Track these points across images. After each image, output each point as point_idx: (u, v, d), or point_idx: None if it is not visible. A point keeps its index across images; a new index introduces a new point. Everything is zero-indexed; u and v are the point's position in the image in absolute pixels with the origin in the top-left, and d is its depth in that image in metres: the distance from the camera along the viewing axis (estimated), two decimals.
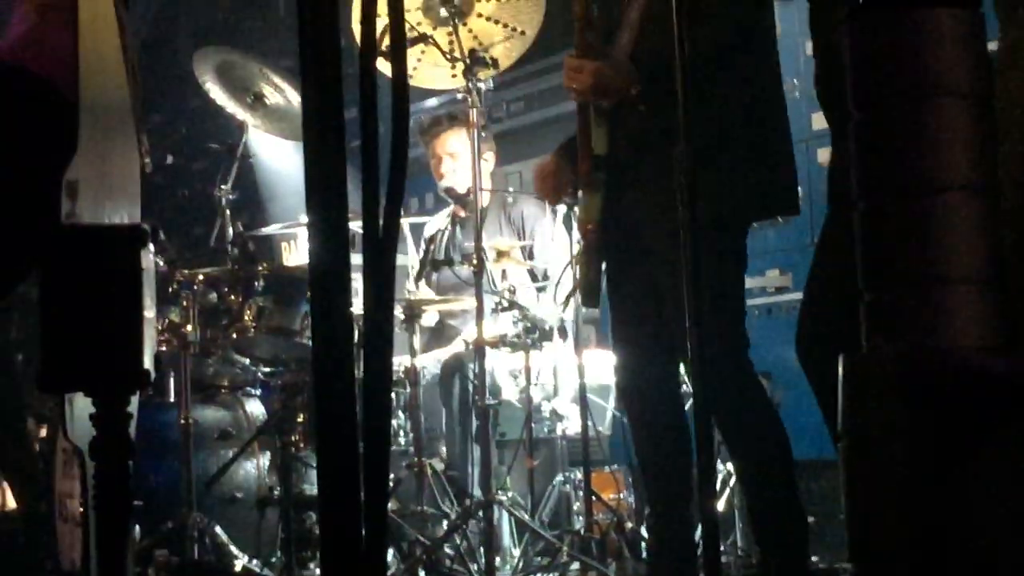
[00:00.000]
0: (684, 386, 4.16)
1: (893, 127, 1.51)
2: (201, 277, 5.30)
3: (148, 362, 1.41)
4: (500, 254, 5.52)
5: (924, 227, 1.48)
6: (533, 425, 5.41)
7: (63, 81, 1.67)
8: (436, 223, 6.54)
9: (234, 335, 5.30)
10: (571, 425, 5.66)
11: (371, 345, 1.52)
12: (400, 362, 5.64)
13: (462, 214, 6.30)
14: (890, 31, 1.49)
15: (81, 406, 1.45)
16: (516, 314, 5.38)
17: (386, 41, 1.80)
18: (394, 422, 5.66)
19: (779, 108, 3.86)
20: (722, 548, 4.42)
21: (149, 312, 1.44)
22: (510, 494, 5.31)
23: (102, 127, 1.59)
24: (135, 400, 1.54)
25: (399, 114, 1.56)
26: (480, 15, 5.10)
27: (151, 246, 1.45)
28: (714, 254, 3.17)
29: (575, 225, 4.27)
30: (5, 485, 6.28)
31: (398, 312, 5.50)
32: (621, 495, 5.67)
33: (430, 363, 6.05)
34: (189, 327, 5.22)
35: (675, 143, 3.08)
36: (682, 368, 4.14)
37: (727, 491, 5.08)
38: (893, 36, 1.51)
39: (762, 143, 3.79)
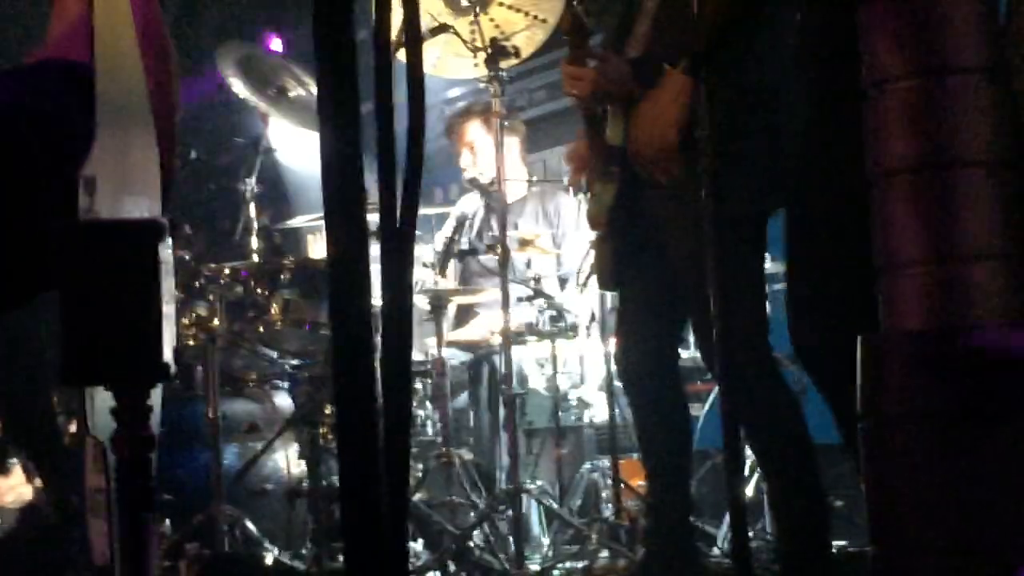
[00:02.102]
0: None
1: (908, 104, 1.50)
2: (227, 271, 5.32)
3: (168, 356, 1.42)
4: (524, 243, 5.53)
5: (941, 204, 1.47)
6: (560, 414, 5.43)
7: None
8: (469, 203, 6.50)
9: (261, 328, 5.32)
10: (598, 413, 5.66)
11: (389, 331, 1.52)
12: (427, 352, 5.66)
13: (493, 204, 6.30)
14: (904, 7, 1.48)
15: (102, 400, 1.45)
16: (542, 303, 5.38)
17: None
18: (421, 413, 5.68)
19: (789, 93, 3.86)
20: (751, 534, 4.42)
21: (169, 306, 1.44)
22: (538, 483, 5.33)
23: (120, 122, 1.59)
24: (158, 394, 1.54)
25: (415, 102, 1.56)
26: (501, 4, 5.10)
27: (170, 240, 1.45)
28: (734, 243, 3.15)
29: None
30: (39, 481, 6.32)
31: (424, 302, 5.51)
32: None
33: (457, 351, 6.06)
34: (216, 321, 5.24)
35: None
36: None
37: (755, 477, 5.07)
38: (907, 12, 1.50)
39: (775, 130, 3.78)
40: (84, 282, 1.36)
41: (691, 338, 4.73)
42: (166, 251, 1.42)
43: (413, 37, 1.63)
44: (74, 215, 1.39)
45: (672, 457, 4.03)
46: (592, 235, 4.80)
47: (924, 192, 1.47)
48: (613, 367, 5.17)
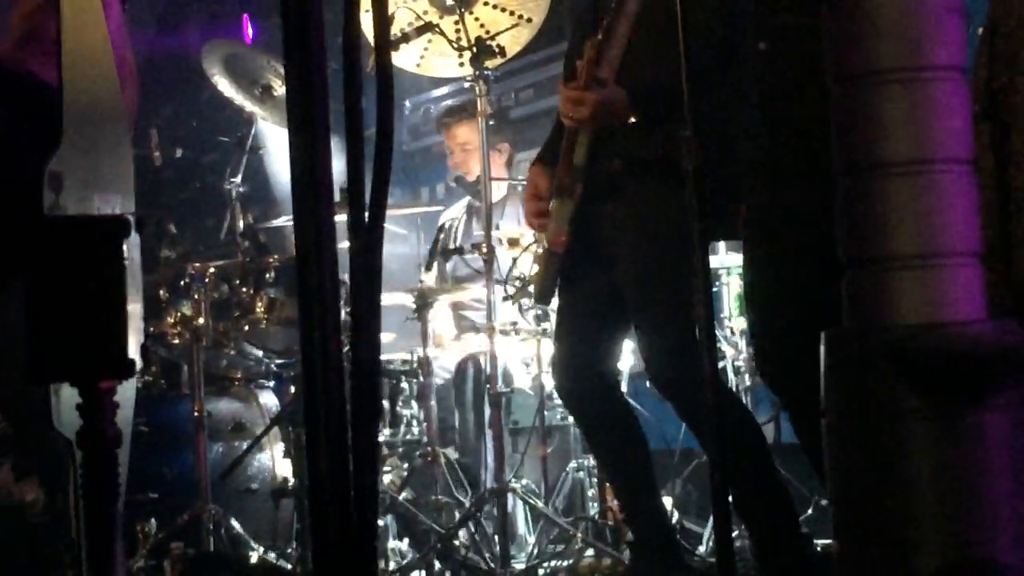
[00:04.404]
0: None
1: (873, 103, 1.50)
2: (212, 270, 5.32)
3: (133, 352, 1.42)
4: (511, 243, 5.53)
5: (907, 202, 1.47)
6: (546, 412, 5.42)
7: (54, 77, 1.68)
8: (452, 213, 6.59)
9: (246, 327, 5.32)
10: None
11: (359, 327, 1.52)
12: (413, 352, 5.66)
13: (476, 204, 6.32)
14: (871, 6, 1.48)
15: (68, 396, 1.45)
16: (527, 302, 5.38)
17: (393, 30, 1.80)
18: (407, 412, 5.68)
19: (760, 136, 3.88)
20: (735, 533, 4.42)
21: (135, 303, 1.44)
22: (524, 482, 5.33)
23: (89, 119, 1.60)
24: (130, 390, 1.55)
25: (384, 97, 1.56)
26: (486, 3, 5.09)
27: (137, 237, 1.45)
28: (681, 266, 3.17)
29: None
30: (27, 480, 6.31)
31: (410, 302, 5.52)
32: None
33: (444, 357, 6.07)
34: (201, 320, 5.24)
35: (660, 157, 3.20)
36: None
37: None
38: (874, 10, 1.51)
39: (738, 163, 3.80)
40: (48, 278, 1.37)
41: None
42: (133, 248, 1.43)
43: (382, 37, 1.64)
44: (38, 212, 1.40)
45: (631, 469, 4.05)
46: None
47: (888, 189, 1.48)
48: None
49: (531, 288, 5.20)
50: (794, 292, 3.02)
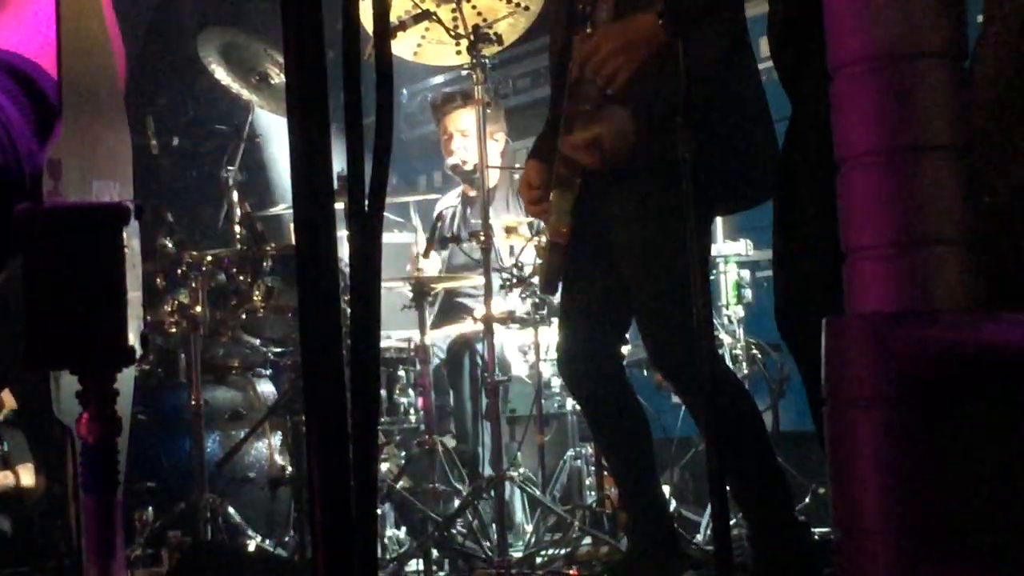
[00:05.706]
0: None
1: (872, 86, 1.50)
2: (210, 258, 5.32)
3: (133, 339, 1.42)
4: (508, 231, 5.53)
5: (905, 187, 1.47)
6: (543, 401, 5.43)
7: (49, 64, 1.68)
8: (446, 202, 6.58)
9: (243, 316, 5.32)
10: None
11: (358, 315, 1.52)
12: (410, 339, 5.66)
13: (471, 192, 6.32)
14: None
15: (68, 384, 1.45)
16: (525, 290, 5.38)
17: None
18: (404, 400, 5.68)
19: (763, 109, 3.85)
20: (732, 521, 4.43)
21: (135, 291, 1.44)
22: (521, 470, 5.33)
23: (88, 105, 1.59)
24: (129, 378, 1.54)
25: (383, 85, 1.56)
26: None
27: (136, 224, 1.45)
28: (681, 251, 3.17)
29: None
30: (20, 467, 6.33)
31: (407, 290, 5.52)
32: None
33: (440, 340, 6.07)
34: (198, 308, 5.24)
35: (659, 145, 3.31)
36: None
37: None
38: None
39: (748, 141, 3.78)
40: (47, 265, 1.36)
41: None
42: (132, 235, 1.42)
43: (381, 24, 1.64)
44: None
45: (632, 456, 4.05)
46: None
47: (886, 175, 1.48)
48: None
49: (533, 279, 5.22)
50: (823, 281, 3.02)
